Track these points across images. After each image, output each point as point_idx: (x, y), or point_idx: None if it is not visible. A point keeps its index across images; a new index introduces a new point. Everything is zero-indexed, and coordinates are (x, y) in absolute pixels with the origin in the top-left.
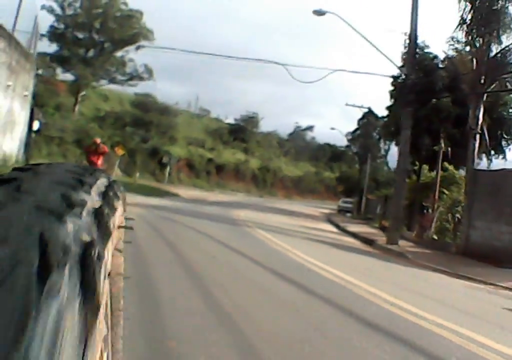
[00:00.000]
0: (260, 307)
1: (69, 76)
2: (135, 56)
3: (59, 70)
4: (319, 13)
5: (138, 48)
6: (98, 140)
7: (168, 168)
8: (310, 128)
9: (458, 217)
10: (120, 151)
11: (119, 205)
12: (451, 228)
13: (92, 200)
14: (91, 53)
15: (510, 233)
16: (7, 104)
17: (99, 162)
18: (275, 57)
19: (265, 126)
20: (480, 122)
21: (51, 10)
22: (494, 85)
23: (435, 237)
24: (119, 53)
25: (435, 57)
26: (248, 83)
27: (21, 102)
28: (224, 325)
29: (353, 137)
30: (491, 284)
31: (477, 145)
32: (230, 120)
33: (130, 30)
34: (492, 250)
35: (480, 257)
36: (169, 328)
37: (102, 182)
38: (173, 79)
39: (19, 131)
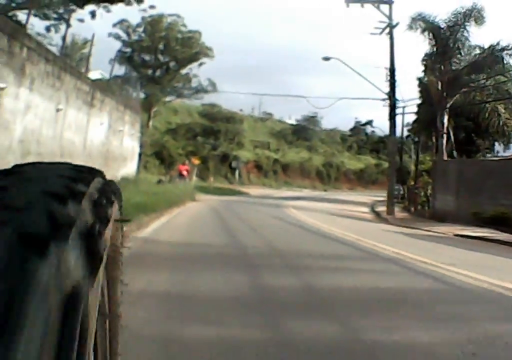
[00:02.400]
0: (264, 224)
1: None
2: (198, 72)
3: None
4: (325, 59)
5: (200, 65)
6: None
7: (237, 171)
8: (370, 122)
9: (429, 193)
10: (196, 161)
11: (114, 211)
12: (426, 201)
13: (82, 215)
14: (158, 72)
15: (453, 200)
16: (131, 143)
17: (185, 173)
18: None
19: (328, 123)
20: (445, 125)
21: (117, 37)
22: (454, 98)
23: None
24: (183, 71)
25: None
26: (309, 79)
27: (135, 140)
28: (245, 225)
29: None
30: (417, 228)
31: (444, 142)
32: (293, 121)
33: (191, 49)
34: (444, 212)
35: (438, 218)
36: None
37: (95, 187)
38: (238, 82)
39: (136, 157)
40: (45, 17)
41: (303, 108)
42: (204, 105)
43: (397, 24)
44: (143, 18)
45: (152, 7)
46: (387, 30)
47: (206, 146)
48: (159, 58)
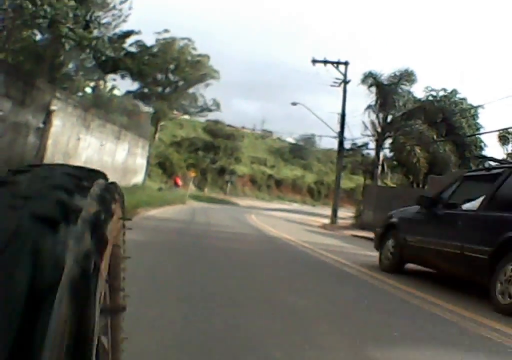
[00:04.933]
0: (218, 218)
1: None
2: (205, 91)
3: (140, 104)
4: (293, 104)
5: (207, 85)
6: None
7: (229, 184)
8: (365, 145)
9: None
10: (192, 174)
11: (116, 208)
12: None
13: (88, 205)
14: (167, 90)
15: (372, 214)
16: (141, 161)
17: (180, 182)
18: None
19: (326, 142)
20: (380, 159)
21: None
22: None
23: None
24: (191, 90)
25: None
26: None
27: (144, 159)
28: (202, 221)
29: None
30: (335, 232)
31: (379, 171)
32: (293, 140)
33: (199, 71)
34: (367, 223)
35: (362, 227)
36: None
37: (99, 185)
38: (244, 96)
39: (144, 170)
40: None
41: (307, 125)
42: (208, 121)
43: (349, 81)
44: (157, 40)
45: (166, 30)
46: (343, 84)
47: (206, 160)
48: (169, 77)
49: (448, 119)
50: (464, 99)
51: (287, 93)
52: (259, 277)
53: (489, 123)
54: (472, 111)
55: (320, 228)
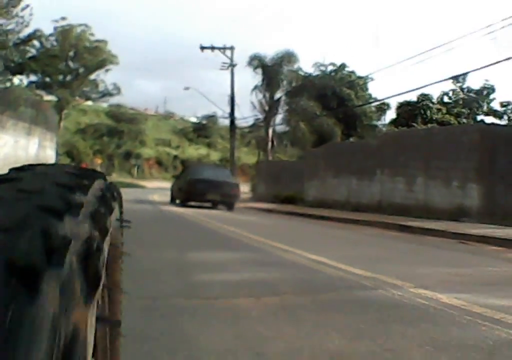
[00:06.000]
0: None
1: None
2: (105, 76)
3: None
4: (186, 88)
5: (107, 71)
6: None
7: (136, 168)
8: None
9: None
10: (98, 161)
11: (116, 205)
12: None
13: (89, 201)
14: (68, 78)
15: (264, 188)
16: (50, 153)
17: None
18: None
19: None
20: (269, 135)
21: (32, 45)
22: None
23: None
24: (92, 76)
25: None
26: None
27: (53, 150)
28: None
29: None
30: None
31: (269, 147)
32: (195, 119)
33: (98, 57)
34: (260, 196)
35: (256, 199)
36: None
37: (99, 184)
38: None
39: (54, 161)
40: None
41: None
42: (111, 106)
43: (235, 64)
44: (55, 28)
45: (63, 18)
46: (230, 68)
47: (111, 145)
48: (69, 65)
49: (337, 92)
50: (352, 72)
51: (188, 70)
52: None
53: (381, 93)
54: (361, 83)
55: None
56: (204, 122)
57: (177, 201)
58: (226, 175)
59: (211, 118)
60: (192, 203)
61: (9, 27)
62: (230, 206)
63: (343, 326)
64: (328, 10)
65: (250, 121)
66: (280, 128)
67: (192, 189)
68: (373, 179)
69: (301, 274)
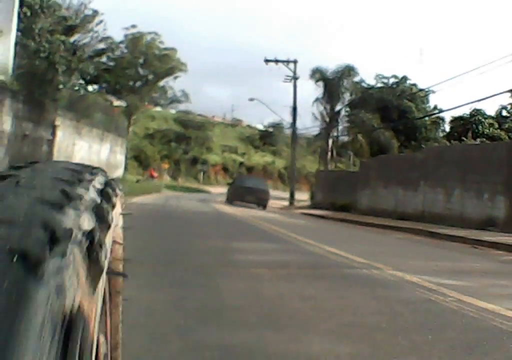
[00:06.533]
0: (183, 199)
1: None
2: (174, 84)
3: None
4: (250, 99)
5: (175, 78)
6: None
7: (202, 173)
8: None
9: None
10: (165, 166)
11: (117, 201)
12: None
13: (89, 195)
14: (138, 84)
15: (322, 196)
16: (120, 157)
17: (155, 174)
18: None
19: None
20: (329, 146)
21: (102, 52)
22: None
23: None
24: (161, 83)
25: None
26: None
27: (123, 155)
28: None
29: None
30: (289, 210)
31: (329, 157)
32: (261, 127)
33: (167, 65)
34: (318, 203)
35: (314, 207)
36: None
37: (99, 180)
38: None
39: (123, 165)
40: None
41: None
42: (179, 112)
43: (298, 77)
44: (125, 35)
45: (133, 26)
46: (293, 80)
47: (179, 150)
48: (139, 71)
49: (398, 105)
50: (414, 84)
51: (256, 78)
52: (204, 229)
53: (445, 106)
54: (422, 95)
55: (278, 209)
56: (270, 130)
57: (228, 200)
58: (260, 184)
59: (277, 126)
60: (246, 206)
61: (84, 41)
62: (262, 205)
63: (320, 286)
64: (390, 24)
65: (313, 131)
66: (343, 138)
67: (236, 192)
68: (417, 190)
69: (312, 258)
